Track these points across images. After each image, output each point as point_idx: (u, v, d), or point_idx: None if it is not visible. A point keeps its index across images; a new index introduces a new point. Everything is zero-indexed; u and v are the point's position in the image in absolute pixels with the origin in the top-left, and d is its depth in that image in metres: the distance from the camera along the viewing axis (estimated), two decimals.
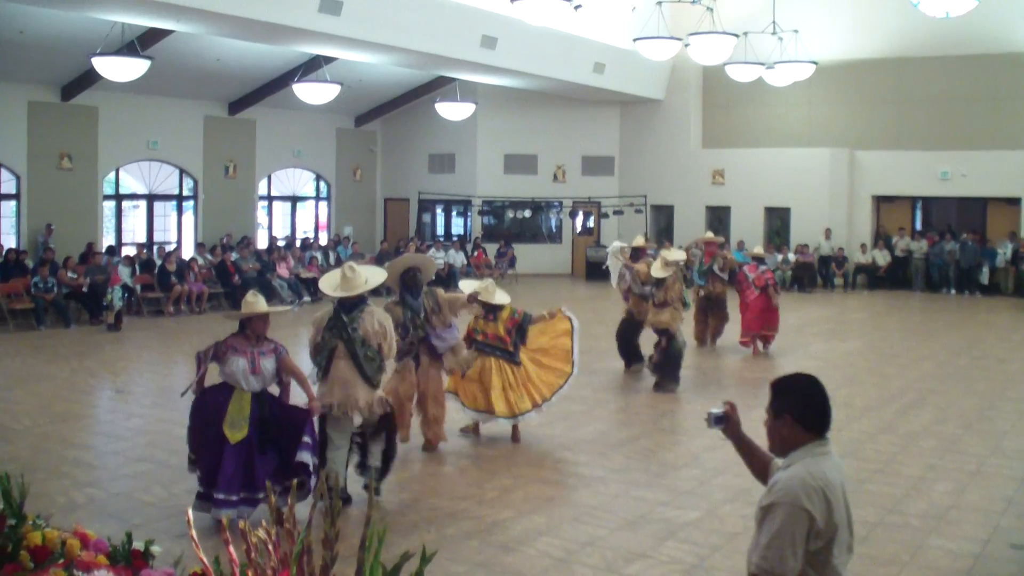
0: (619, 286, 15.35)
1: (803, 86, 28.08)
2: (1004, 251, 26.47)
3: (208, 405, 7.96)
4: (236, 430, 7.79)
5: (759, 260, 17.78)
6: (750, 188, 29.54)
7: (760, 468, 4.63)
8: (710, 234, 18.73)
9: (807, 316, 22.42)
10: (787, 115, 29.87)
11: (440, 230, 33.09)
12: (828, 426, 4.04)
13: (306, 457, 7.84)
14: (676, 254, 14.83)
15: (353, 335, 8.31)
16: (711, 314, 17.61)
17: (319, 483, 3.02)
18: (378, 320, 8.49)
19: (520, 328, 10.75)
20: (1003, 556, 7.46)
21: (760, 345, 17.07)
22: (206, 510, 7.77)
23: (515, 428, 10.89)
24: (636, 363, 15.17)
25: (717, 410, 4.77)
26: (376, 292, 11.70)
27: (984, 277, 26.50)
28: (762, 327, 16.96)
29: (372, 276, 8.68)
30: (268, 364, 7.96)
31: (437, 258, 27.93)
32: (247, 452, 7.80)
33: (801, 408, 4.02)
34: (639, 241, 15.92)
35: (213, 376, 8.03)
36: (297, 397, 8.29)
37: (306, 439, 7.89)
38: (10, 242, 22.75)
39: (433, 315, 10.06)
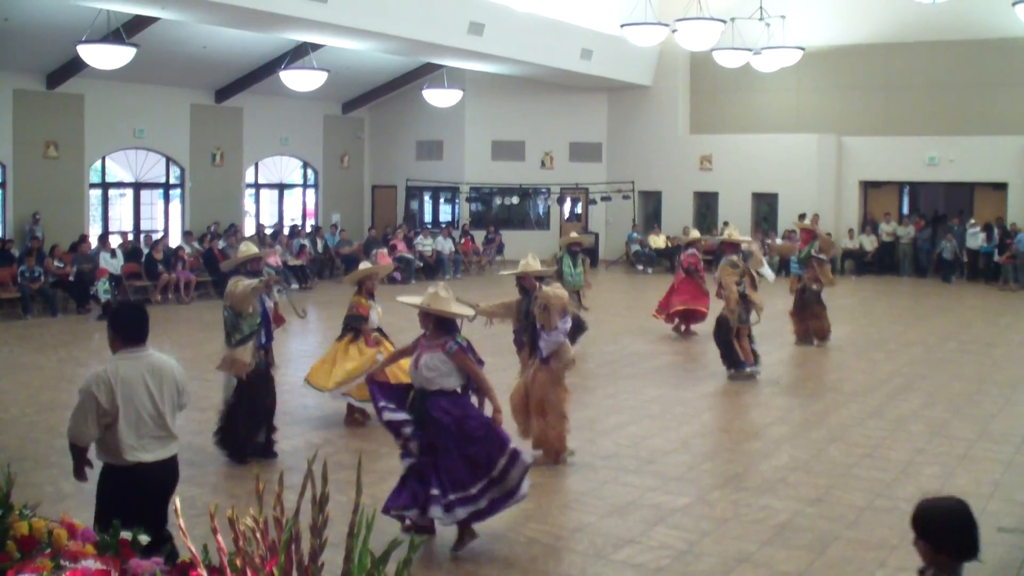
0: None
1: (790, 72, 28.05)
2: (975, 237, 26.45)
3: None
4: None
5: (691, 244, 17.97)
6: (738, 174, 29.53)
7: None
8: (808, 221, 18.16)
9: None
10: (774, 101, 29.86)
11: (428, 217, 33.04)
12: (135, 339, 5.66)
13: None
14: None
15: None
16: (808, 311, 16.39)
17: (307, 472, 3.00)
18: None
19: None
20: (990, 540, 7.48)
21: (683, 326, 17.35)
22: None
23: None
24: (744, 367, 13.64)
25: None
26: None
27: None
28: (680, 304, 17.05)
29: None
30: None
31: (425, 245, 27.92)
32: None
33: (115, 326, 5.72)
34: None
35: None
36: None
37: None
38: None
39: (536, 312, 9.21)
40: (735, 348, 13.50)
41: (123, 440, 5.57)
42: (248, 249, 10.10)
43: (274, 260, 24.40)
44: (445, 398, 7.18)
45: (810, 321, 16.44)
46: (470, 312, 7.61)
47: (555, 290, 9.21)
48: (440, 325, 7.27)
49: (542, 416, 9.29)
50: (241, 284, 9.33)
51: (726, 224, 25.43)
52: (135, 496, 5.55)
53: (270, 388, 9.77)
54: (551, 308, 9.02)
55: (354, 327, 10.83)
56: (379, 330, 11.02)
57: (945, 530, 3.90)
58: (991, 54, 26.91)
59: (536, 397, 9.28)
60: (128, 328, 5.72)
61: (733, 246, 13.91)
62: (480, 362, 7.32)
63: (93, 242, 22.17)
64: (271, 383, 9.82)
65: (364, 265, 11.57)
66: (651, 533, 7.57)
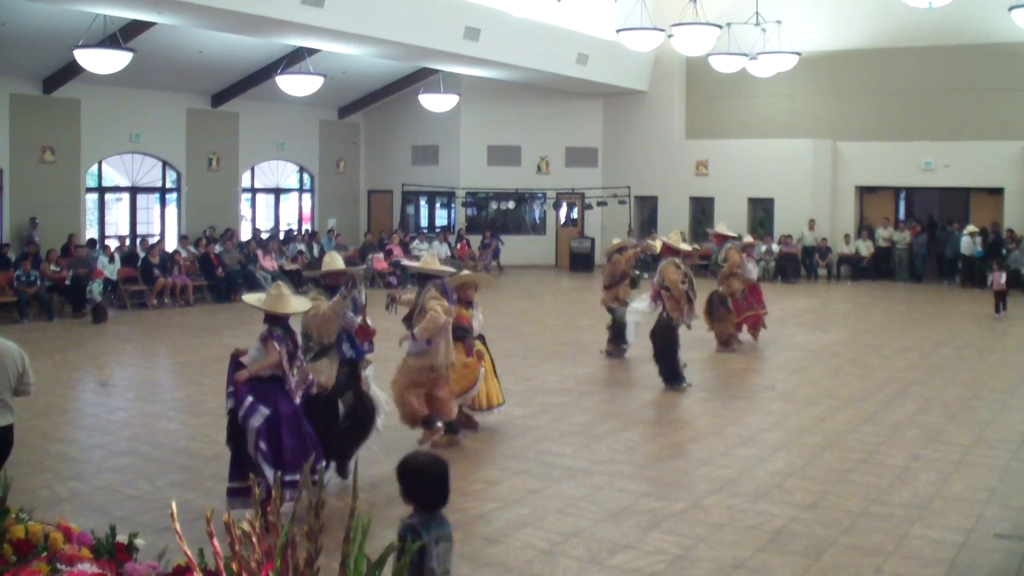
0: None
1: (786, 77, 28.08)
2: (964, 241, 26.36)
3: None
4: None
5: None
6: (734, 179, 29.56)
7: None
8: (722, 226, 18.02)
9: (791, 307, 22.46)
10: (770, 106, 29.90)
11: (424, 222, 33.04)
12: None
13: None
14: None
15: None
16: (715, 313, 16.43)
17: (303, 475, 3.01)
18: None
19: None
20: (986, 546, 7.49)
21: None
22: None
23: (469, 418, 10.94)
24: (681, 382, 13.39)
25: None
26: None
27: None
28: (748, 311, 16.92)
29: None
30: None
31: (421, 250, 27.92)
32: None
33: None
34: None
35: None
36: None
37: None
38: None
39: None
40: (678, 360, 13.32)
41: None
42: (333, 263, 9.22)
43: (268, 264, 24.41)
44: (255, 383, 7.92)
45: (715, 324, 16.42)
46: (305, 307, 8.39)
47: (435, 307, 9.60)
48: (268, 318, 8.03)
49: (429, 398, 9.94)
50: (320, 309, 8.69)
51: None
52: None
53: (335, 409, 8.96)
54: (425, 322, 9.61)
55: (458, 337, 10.37)
56: (480, 337, 10.83)
57: (414, 482, 4.44)
58: (987, 59, 26.96)
59: (412, 382, 9.86)
60: None
61: (674, 251, 13.68)
62: (291, 354, 7.98)
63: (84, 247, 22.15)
64: (336, 403, 8.97)
65: (466, 272, 11.31)
66: (646, 539, 7.57)
